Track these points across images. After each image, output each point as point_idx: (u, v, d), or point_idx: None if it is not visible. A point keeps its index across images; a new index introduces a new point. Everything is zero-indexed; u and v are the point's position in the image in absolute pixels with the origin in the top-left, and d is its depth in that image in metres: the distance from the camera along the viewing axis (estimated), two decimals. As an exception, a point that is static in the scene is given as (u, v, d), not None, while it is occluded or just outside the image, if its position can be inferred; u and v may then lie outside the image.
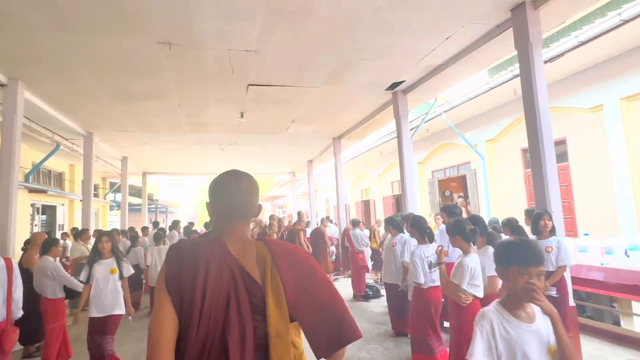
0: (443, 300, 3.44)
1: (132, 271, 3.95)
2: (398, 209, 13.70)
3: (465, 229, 2.76)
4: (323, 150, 11.72)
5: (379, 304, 6.55)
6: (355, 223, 7.25)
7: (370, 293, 6.82)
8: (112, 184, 14.91)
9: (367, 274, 7.21)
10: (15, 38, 4.32)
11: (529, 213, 4.43)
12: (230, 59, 4.98)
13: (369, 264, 7.81)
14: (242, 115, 7.58)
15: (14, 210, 5.31)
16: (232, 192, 1.23)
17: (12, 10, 3.83)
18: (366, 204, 16.45)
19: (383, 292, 6.99)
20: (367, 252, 7.60)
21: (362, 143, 12.71)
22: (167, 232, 9.40)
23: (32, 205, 9.34)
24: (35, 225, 9.51)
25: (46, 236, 5.13)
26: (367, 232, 8.44)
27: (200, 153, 11.18)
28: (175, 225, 9.46)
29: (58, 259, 4.36)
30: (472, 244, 2.78)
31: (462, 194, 9.94)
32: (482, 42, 4.83)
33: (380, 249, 5.95)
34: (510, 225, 4.02)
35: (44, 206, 10.16)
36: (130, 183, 14.96)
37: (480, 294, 2.70)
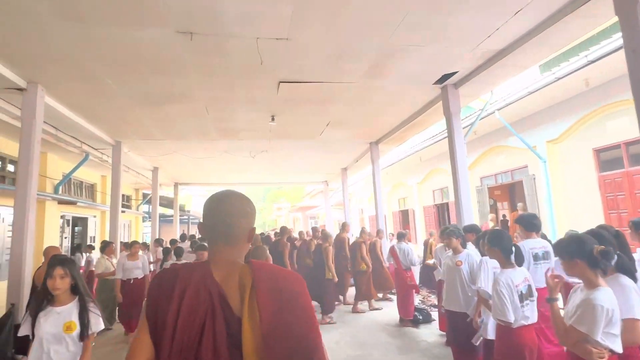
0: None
1: (102, 326, 2.47)
2: (441, 220, 12.62)
3: (592, 250, 1.91)
4: (359, 156, 10.96)
5: (431, 331, 5.62)
6: (400, 236, 6.37)
7: (420, 317, 5.90)
8: (144, 195, 14.88)
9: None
10: (28, 34, 3.93)
11: (635, 225, 3.45)
12: (259, 49, 4.37)
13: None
14: (272, 119, 6.99)
15: (31, 221, 4.92)
16: (216, 214, 1.18)
17: (22, 3, 3.42)
18: (404, 214, 15.43)
19: (434, 315, 6.06)
20: (415, 269, 6.69)
21: (399, 149, 11.83)
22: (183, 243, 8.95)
23: (62, 216, 9.18)
24: (65, 237, 9.35)
25: (59, 250, 4.69)
26: (411, 245, 7.54)
27: (230, 162, 10.74)
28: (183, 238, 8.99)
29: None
30: (602, 272, 1.91)
31: (520, 203, 8.80)
32: (559, 15, 3.95)
33: (436, 265, 5.06)
34: (620, 241, 3.05)
35: (75, 218, 10.03)
36: (162, 194, 14.89)
37: (619, 347, 1.83)
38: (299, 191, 50.37)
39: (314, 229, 8.47)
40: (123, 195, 13.87)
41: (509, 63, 5.09)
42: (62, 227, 9.14)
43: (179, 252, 6.81)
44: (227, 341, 1.01)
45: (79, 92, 5.48)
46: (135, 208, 14.60)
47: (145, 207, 15.92)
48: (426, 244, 7.85)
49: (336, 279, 6.68)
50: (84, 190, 10.67)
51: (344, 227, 8.13)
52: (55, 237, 8.66)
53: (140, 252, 5.67)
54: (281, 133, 8.20)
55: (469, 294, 3.56)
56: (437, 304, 5.85)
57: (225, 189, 1.25)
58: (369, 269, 6.98)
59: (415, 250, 6.18)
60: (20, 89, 5.07)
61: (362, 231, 7.87)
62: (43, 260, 4.61)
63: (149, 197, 13.64)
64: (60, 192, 8.83)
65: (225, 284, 1.09)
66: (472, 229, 4.39)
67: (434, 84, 5.80)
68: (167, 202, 15.24)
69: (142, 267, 5.69)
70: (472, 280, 3.57)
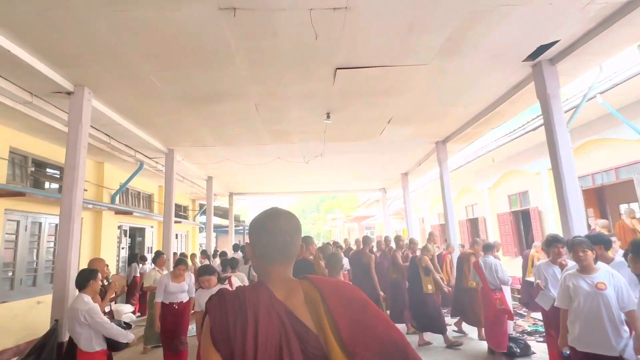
0: None
1: None
2: (519, 228, 11.04)
3: None
4: (422, 159, 9.90)
5: (533, 368, 4.44)
6: (487, 248, 5.20)
7: (517, 350, 4.73)
8: (201, 206, 14.95)
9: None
10: (66, 29, 3.60)
11: None
12: (313, 23, 3.67)
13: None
14: (328, 116, 6.28)
15: (77, 231, 4.61)
16: (272, 232, 1.15)
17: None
18: (473, 223, 13.89)
19: (534, 347, 4.85)
20: (506, 290, 5.47)
21: (466, 151, 10.52)
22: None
23: (120, 227, 9.20)
24: (123, 248, 9.36)
25: (103, 262, 4.29)
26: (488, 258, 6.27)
27: (284, 169, 10.23)
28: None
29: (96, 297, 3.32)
30: None
31: (628, 204, 7.20)
32: None
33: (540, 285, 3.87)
34: None
35: (132, 228, 10.07)
36: (218, 204, 14.85)
37: None
38: (353, 201, 49.46)
39: (387, 239, 7.69)
40: (180, 206, 14.04)
41: (629, 26, 3.93)
42: (120, 238, 9.15)
43: (233, 264, 6.36)
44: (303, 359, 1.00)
45: (126, 93, 5.19)
46: (192, 219, 14.69)
47: (202, 218, 16.04)
48: (527, 257, 6.54)
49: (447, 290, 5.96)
50: (141, 200, 10.77)
51: (431, 237, 7.14)
52: (112, 247, 8.66)
53: (186, 272, 4.98)
54: (336, 135, 7.48)
55: (621, 328, 2.48)
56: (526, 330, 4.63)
57: (271, 207, 1.23)
58: (478, 286, 5.72)
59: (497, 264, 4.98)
60: (68, 93, 4.87)
61: (430, 238, 6.88)
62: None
63: (204, 207, 13.67)
64: (117, 202, 8.85)
65: (290, 303, 1.07)
66: (599, 239, 3.25)
67: (524, 60, 4.73)
68: (223, 213, 15.19)
69: (188, 289, 4.90)
70: (622, 307, 2.49)
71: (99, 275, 3.29)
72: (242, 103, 5.68)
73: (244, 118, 6.33)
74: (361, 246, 6.87)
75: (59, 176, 7.50)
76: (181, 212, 14.22)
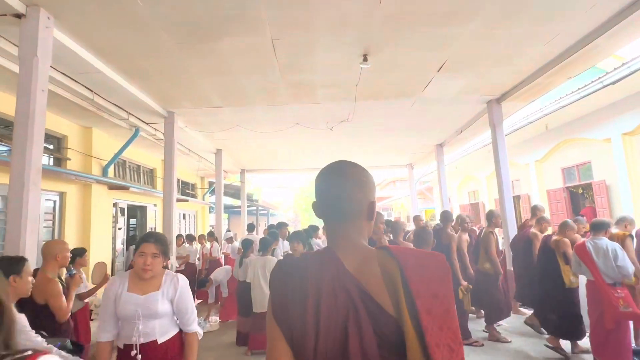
0: None
1: None
2: (575, 207, 9.53)
3: None
4: (465, 124, 8.36)
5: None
6: (600, 226, 3.67)
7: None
8: (210, 184, 13.67)
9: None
10: None
11: None
12: None
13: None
14: (365, 58, 4.85)
15: (34, 204, 3.39)
16: (326, 187, 1.03)
17: None
18: (515, 201, 12.35)
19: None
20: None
21: (512, 118, 8.95)
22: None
23: (115, 204, 8.01)
24: (120, 228, 8.19)
25: (64, 246, 3.08)
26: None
27: (302, 138, 8.87)
28: (280, 227, 7.11)
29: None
30: None
31: None
32: None
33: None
34: None
35: (131, 206, 8.89)
36: (228, 182, 13.59)
37: None
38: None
39: (491, 213, 5.61)
40: (187, 184, 12.86)
41: None
42: (115, 216, 7.97)
43: (246, 245, 5.29)
44: (377, 344, 0.86)
45: (97, 19, 3.84)
46: (201, 197, 13.51)
47: (213, 198, 14.91)
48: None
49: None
50: (141, 175, 9.53)
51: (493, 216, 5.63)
52: (106, 227, 7.48)
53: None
54: (370, 90, 6.05)
55: None
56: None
57: (339, 160, 1.08)
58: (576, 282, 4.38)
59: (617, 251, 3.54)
60: (18, 16, 3.55)
61: (493, 215, 5.50)
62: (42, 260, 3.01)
63: (214, 185, 12.44)
64: (110, 175, 7.63)
65: (362, 276, 0.93)
66: None
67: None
68: (234, 192, 13.83)
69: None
70: None
71: (27, 267, 2.03)
72: (253, 36, 4.28)
73: (256, 62, 4.94)
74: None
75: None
76: (188, 189, 13.03)
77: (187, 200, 10.98)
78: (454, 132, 9.08)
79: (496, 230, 5.75)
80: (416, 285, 0.87)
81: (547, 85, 6.23)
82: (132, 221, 9.83)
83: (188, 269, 7.93)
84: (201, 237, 9.06)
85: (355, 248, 0.98)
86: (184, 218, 12.32)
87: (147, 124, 7.03)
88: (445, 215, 5.59)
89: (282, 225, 7.13)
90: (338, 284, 0.91)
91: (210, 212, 14.16)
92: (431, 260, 0.93)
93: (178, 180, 11.51)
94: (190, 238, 8.64)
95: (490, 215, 5.54)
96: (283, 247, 6.28)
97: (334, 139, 8.97)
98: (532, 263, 5.18)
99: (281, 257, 5.07)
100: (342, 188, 1.00)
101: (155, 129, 7.37)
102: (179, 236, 8.17)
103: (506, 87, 6.29)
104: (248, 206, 15.08)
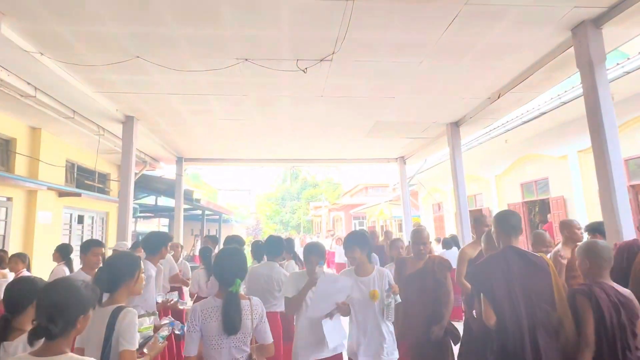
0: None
1: None
2: (531, 220, 9.05)
3: None
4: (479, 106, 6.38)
5: None
6: None
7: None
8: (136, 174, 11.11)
9: None
10: None
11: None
12: None
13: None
14: None
15: None
16: None
17: None
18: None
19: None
20: None
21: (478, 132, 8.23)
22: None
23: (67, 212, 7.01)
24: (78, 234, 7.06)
25: None
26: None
27: (258, 91, 5.72)
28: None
29: None
30: None
31: None
32: None
33: None
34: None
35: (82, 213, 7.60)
36: (162, 175, 11.95)
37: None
38: (336, 190, 47.07)
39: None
40: (90, 172, 8.96)
41: None
42: (70, 224, 6.97)
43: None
44: None
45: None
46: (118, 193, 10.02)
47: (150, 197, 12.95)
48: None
49: None
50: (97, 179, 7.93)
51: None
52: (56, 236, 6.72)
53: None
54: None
55: None
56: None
57: None
58: None
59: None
60: None
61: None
62: None
63: (139, 174, 9.14)
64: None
65: None
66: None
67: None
68: (168, 187, 10.53)
69: None
70: None
71: None
72: None
73: None
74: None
75: None
76: (92, 180, 9.23)
77: (79, 195, 7.79)
78: (479, 103, 6.34)
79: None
80: None
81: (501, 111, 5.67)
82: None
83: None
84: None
85: None
86: (79, 222, 8.73)
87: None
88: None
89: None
90: None
91: (134, 215, 11.38)
92: None
93: (72, 165, 8.55)
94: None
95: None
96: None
97: (307, 112, 6.60)
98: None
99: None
100: None
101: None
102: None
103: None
104: (190, 209, 13.02)
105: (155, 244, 3.66)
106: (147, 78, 5.15)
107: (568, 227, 3.64)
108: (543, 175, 8.80)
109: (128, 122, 6.61)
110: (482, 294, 2.34)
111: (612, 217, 3.49)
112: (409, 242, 3.61)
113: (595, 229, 3.77)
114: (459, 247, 6.12)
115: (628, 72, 5.30)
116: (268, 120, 7.07)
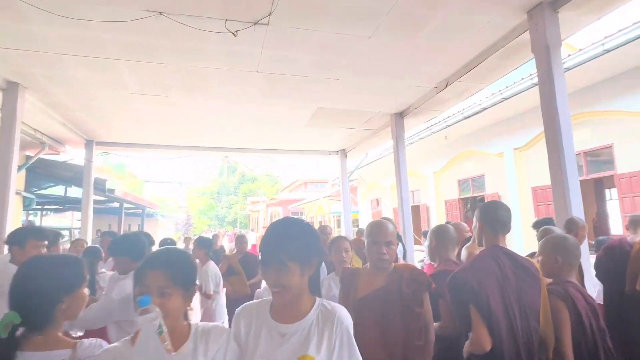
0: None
1: None
2: (466, 217, 9.08)
3: None
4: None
5: None
6: None
7: None
8: (28, 158, 8.20)
9: None
10: None
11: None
12: None
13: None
14: None
15: None
16: None
17: None
18: (414, 210, 11.62)
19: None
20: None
21: (419, 127, 8.07)
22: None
23: None
24: None
25: None
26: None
27: (183, 75, 5.12)
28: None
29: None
30: None
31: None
32: None
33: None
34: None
35: None
36: (69, 160, 10.34)
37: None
38: (275, 185, 46.03)
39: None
40: None
41: None
42: None
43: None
44: None
45: None
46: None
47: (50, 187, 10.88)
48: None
49: None
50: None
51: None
52: None
53: None
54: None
55: None
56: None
57: None
58: None
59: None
60: None
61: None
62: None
63: (33, 159, 7.82)
64: None
65: None
66: None
67: None
68: (74, 175, 9.00)
69: None
70: None
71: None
72: None
73: None
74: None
75: None
76: None
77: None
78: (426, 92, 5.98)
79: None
80: None
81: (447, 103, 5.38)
82: None
83: None
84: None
85: None
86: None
87: None
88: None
89: None
90: None
91: (26, 206, 9.34)
92: None
93: None
94: None
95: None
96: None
97: (241, 91, 5.76)
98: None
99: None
100: None
101: None
102: None
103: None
104: (105, 201, 11.32)
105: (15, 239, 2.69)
106: (29, 28, 3.98)
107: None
108: (480, 172, 8.91)
109: (10, 90, 5.21)
110: (472, 309, 1.75)
111: (564, 210, 3.28)
112: (364, 241, 2.06)
113: (547, 224, 3.58)
114: (403, 245, 5.65)
115: (568, 69, 5.35)
116: (195, 99, 6.05)
